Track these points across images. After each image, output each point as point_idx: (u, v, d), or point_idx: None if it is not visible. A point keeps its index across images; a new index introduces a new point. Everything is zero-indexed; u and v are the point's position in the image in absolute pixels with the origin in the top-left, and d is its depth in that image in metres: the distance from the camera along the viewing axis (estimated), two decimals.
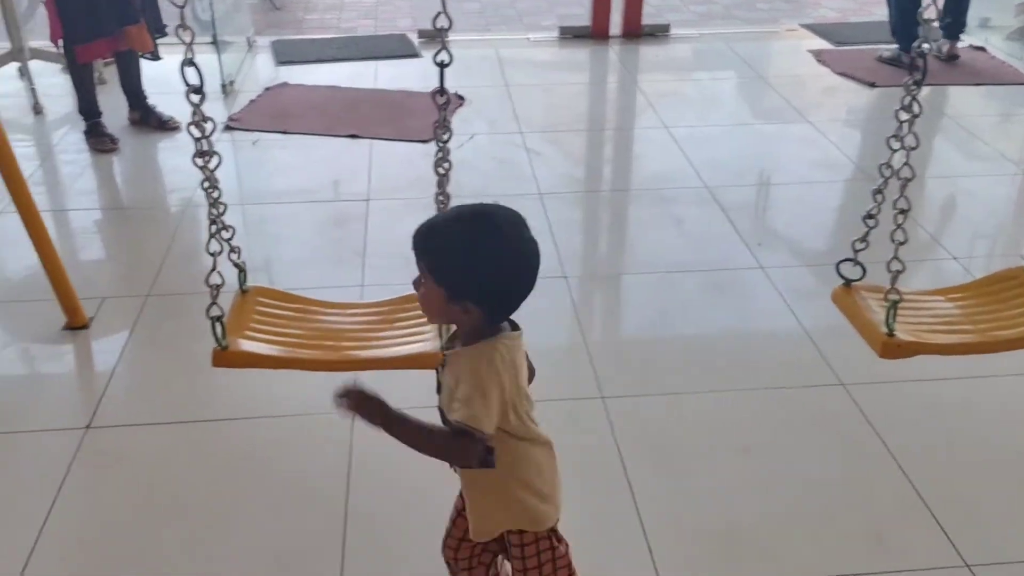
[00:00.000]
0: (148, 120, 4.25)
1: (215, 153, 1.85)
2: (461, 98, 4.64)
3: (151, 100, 4.29)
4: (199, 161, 1.84)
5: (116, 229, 3.52)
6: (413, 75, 5.04)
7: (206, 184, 1.86)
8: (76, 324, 2.76)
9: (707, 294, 3.00)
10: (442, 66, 1.76)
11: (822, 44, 5.62)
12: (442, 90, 1.79)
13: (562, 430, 2.34)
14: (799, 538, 2.04)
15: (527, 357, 1.55)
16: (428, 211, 3.52)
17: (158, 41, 4.12)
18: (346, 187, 3.76)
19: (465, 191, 3.73)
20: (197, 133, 1.79)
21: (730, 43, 5.69)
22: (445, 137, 1.84)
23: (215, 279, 1.87)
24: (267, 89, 4.80)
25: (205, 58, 5.27)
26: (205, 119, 1.79)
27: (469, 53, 5.41)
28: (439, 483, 2.16)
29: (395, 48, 5.52)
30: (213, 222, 1.89)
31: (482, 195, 1.96)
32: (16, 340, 2.76)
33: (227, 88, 4.72)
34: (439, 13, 1.71)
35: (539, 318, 2.86)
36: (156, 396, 2.51)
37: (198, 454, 2.29)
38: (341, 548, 2.01)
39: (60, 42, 3.99)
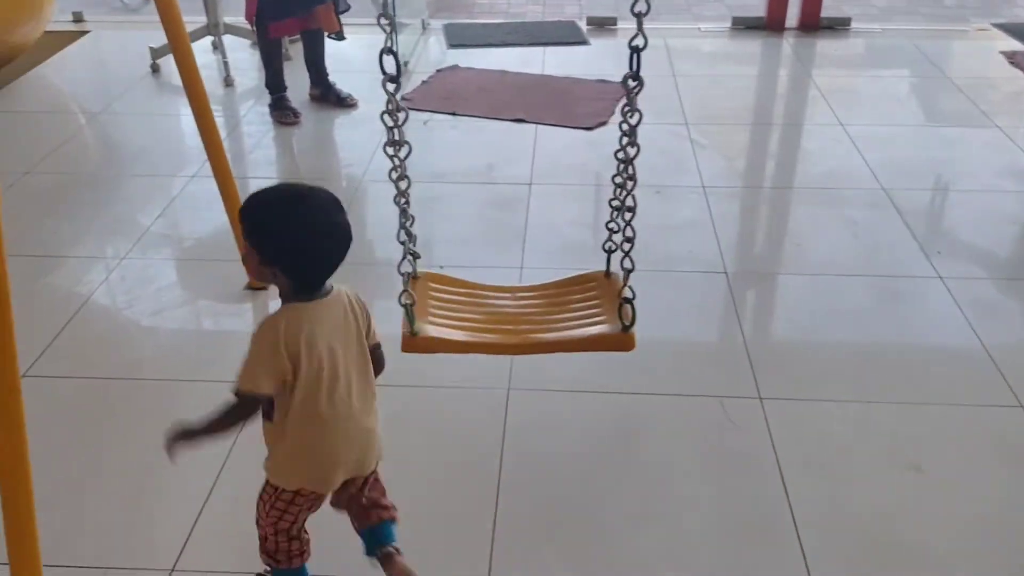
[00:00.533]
0: (328, 96, 4.45)
1: (406, 143, 1.89)
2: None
3: (331, 78, 4.49)
4: (389, 150, 1.88)
5: None
6: (580, 62, 5.06)
7: (394, 174, 1.91)
8: (256, 285, 2.93)
9: (878, 301, 2.87)
10: (636, 50, 1.75)
11: (1016, 45, 5.24)
12: (636, 75, 1.78)
13: (717, 426, 2.34)
14: (971, 569, 1.93)
15: (373, 341, 1.71)
16: (589, 197, 3.61)
17: (341, 19, 4.32)
18: (509, 170, 3.82)
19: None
20: (390, 122, 1.83)
21: (914, 40, 5.39)
22: (634, 120, 1.83)
23: (406, 267, 1.93)
24: (438, 71, 4.93)
25: (382, 39, 5.50)
26: (399, 108, 1.82)
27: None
28: (591, 459, 2.21)
29: (563, 34, 5.54)
30: (402, 212, 1.93)
31: (643, 185, 1.96)
32: (203, 296, 2.97)
33: (402, 69, 4.87)
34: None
35: (697, 312, 2.86)
36: None
37: None
38: (493, 516, 2.06)
39: (254, 20, 4.24)
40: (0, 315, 1.64)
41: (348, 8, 4.36)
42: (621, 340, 1.93)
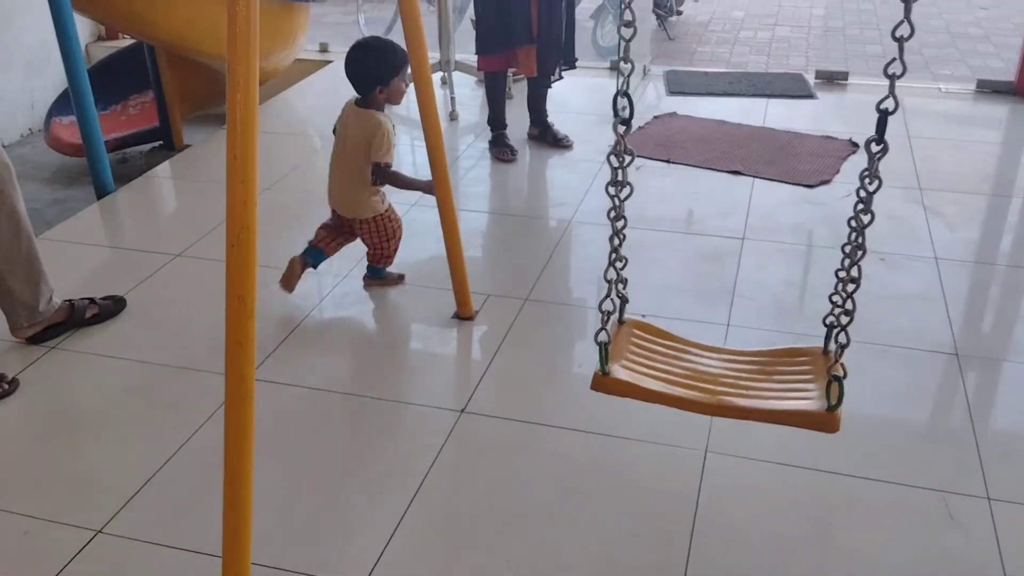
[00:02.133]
0: (545, 136, 4.55)
1: (628, 183, 1.90)
2: (855, 145, 4.40)
3: (550, 119, 4.58)
4: (611, 190, 1.89)
5: (503, 233, 3.80)
6: (805, 116, 4.89)
7: (613, 214, 1.91)
8: (464, 315, 3.02)
9: None
10: (885, 113, 1.65)
11: None
12: (880, 139, 1.68)
13: (934, 524, 2.14)
14: None
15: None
16: (805, 258, 3.44)
17: (565, 72, 4.39)
18: (722, 222, 3.72)
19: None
20: (615, 163, 1.85)
21: None
22: (872, 187, 1.73)
23: (607, 305, 1.92)
24: (656, 117, 4.91)
25: (604, 82, 5.58)
26: (627, 150, 1.84)
27: (868, 98, 5.11)
28: (789, 538, 2.08)
29: (788, 87, 5.38)
30: (614, 251, 1.93)
31: (871, 250, 1.85)
32: (414, 321, 3.09)
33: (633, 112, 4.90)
34: (893, 59, 1.60)
35: (920, 394, 2.65)
36: (522, 394, 2.66)
37: (550, 457, 2.39)
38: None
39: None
40: (245, 330, 1.74)
41: (574, 65, 4.40)
42: (824, 420, 1.81)
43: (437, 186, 2.83)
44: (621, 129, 1.82)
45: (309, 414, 2.58)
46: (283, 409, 2.58)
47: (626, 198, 1.92)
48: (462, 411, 2.57)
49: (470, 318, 3.03)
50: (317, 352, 2.88)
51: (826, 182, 4.04)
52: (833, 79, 5.47)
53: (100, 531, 2.14)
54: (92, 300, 2.98)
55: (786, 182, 4.07)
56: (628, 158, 1.86)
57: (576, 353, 2.92)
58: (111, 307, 3.03)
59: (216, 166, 4.26)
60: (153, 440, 2.45)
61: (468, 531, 2.15)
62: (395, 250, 3.18)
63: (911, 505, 2.21)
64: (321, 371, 2.77)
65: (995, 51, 7.14)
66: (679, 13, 8.23)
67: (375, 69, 2.90)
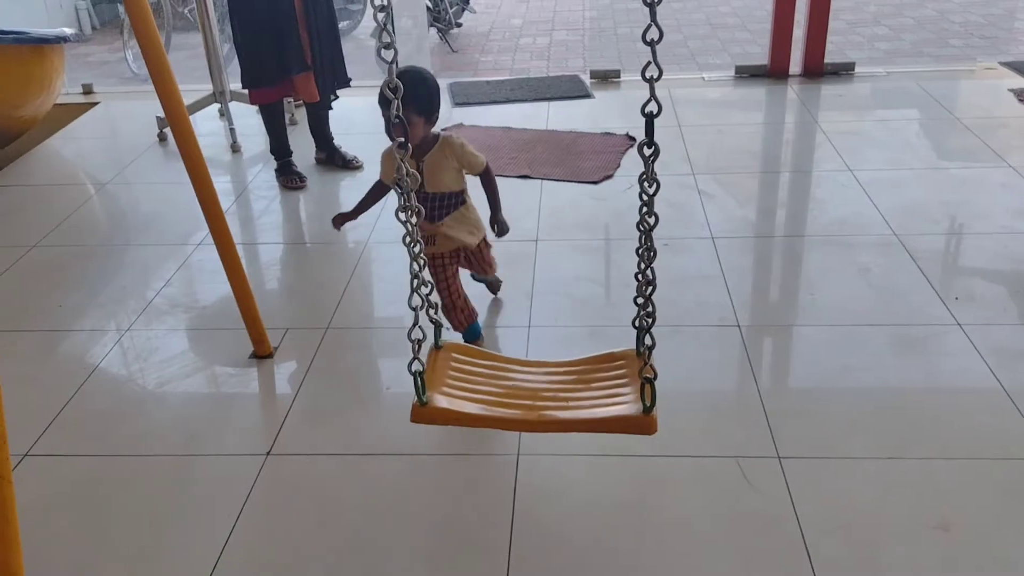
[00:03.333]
0: (334, 159, 4.47)
1: (418, 207, 1.89)
2: (632, 138, 4.61)
3: (336, 140, 4.51)
4: (401, 216, 1.87)
5: (299, 263, 3.70)
6: (584, 116, 5.07)
7: (407, 239, 1.89)
8: (262, 353, 2.90)
9: (895, 351, 2.80)
10: (651, 117, 1.71)
11: None
12: (650, 142, 1.74)
13: (734, 487, 2.26)
14: None
15: None
16: (596, 253, 3.56)
17: (340, 91, 4.33)
18: (516, 226, 3.76)
19: (636, 233, 3.70)
20: (401, 188, 1.84)
21: (920, 82, 5.38)
22: (651, 191, 1.80)
23: (416, 334, 1.89)
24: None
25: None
26: (408, 173, 1.82)
27: (640, 93, 5.37)
28: (604, 524, 2.13)
29: (567, 89, 5.57)
30: (415, 277, 1.90)
31: (656, 237, 1.92)
32: (208, 365, 2.93)
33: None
34: (648, 63, 1.66)
35: (711, 367, 2.79)
36: (332, 427, 2.59)
37: (371, 487, 2.34)
38: None
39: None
40: None
41: (348, 84, 4.35)
42: (642, 422, 1.86)
43: (212, 223, 2.70)
44: (400, 154, 1.80)
45: (98, 487, 2.39)
46: (68, 484, 2.38)
47: (417, 222, 1.90)
48: (267, 453, 2.46)
49: (269, 355, 2.91)
50: (102, 417, 2.67)
51: (609, 177, 4.21)
52: (607, 77, 5.71)
53: None
54: None
55: (572, 181, 4.20)
56: (412, 181, 1.85)
57: (384, 376, 2.87)
58: None
59: None
60: None
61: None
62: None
63: (712, 474, 2.32)
64: (108, 437, 2.57)
65: (752, 38, 7.71)
66: (459, 25, 8.35)
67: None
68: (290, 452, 2.47)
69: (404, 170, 1.82)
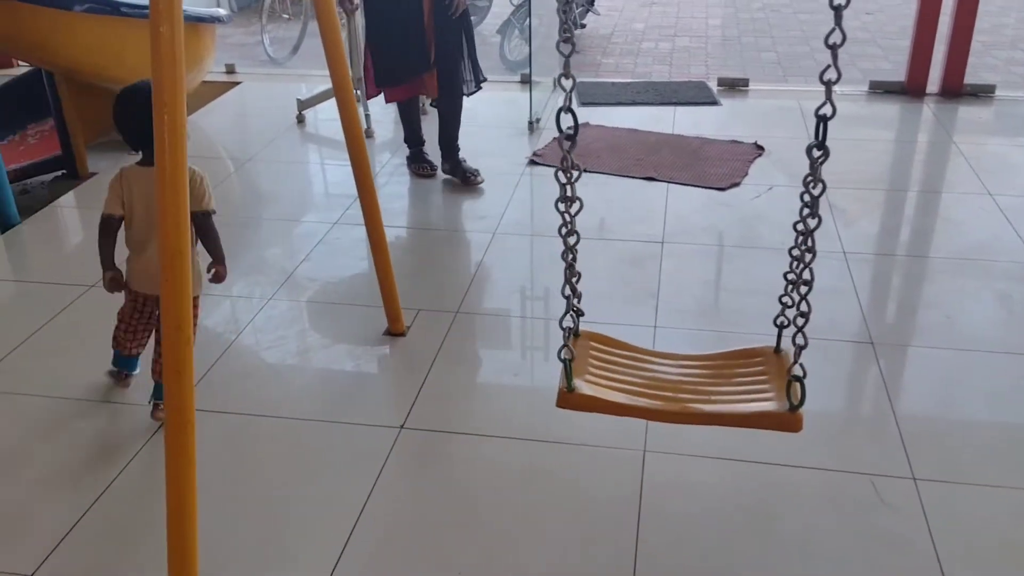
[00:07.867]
0: (456, 173, 4.35)
1: (578, 199, 1.89)
2: (760, 148, 4.57)
3: (462, 141, 4.39)
4: (561, 206, 1.89)
5: (428, 248, 3.80)
6: (711, 122, 5.04)
7: (564, 230, 1.91)
8: (396, 331, 3.01)
9: None
10: (824, 119, 1.71)
11: None
12: (821, 144, 1.74)
13: (866, 504, 2.23)
14: None
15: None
16: (721, 258, 3.55)
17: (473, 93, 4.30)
18: (641, 228, 3.81)
19: (764, 242, 3.68)
20: (563, 179, 1.84)
21: None
22: (816, 191, 1.80)
23: (567, 322, 1.92)
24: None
25: (516, 95, 5.64)
26: (573, 165, 1.84)
27: (768, 103, 5.33)
28: (730, 529, 2.14)
29: (694, 95, 5.54)
30: (568, 267, 1.93)
31: (780, 248, 1.91)
32: (345, 338, 3.05)
33: (533, 125, 4.98)
34: (828, 67, 1.67)
35: (841, 382, 2.76)
36: (461, 407, 2.67)
37: (498, 469, 2.40)
38: None
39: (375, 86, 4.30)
40: (183, 358, 1.70)
41: (480, 86, 4.29)
42: (787, 420, 1.87)
43: (365, 201, 2.81)
44: (567, 145, 1.84)
45: (243, 441, 2.53)
46: (216, 437, 2.52)
47: (576, 213, 1.92)
48: (401, 427, 2.56)
49: (402, 334, 3.02)
50: (246, 378, 2.82)
51: (736, 184, 4.18)
52: (735, 85, 5.66)
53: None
54: None
55: (698, 186, 4.19)
56: (576, 173, 1.86)
57: (510, 363, 2.94)
58: None
59: None
60: (78, 478, 2.36)
61: (417, 546, 2.15)
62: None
63: (842, 489, 2.30)
64: (252, 397, 2.71)
65: (883, 53, 7.51)
66: (583, 26, 8.39)
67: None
68: (422, 428, 2.56)
69: (569, 161, 1.86)
